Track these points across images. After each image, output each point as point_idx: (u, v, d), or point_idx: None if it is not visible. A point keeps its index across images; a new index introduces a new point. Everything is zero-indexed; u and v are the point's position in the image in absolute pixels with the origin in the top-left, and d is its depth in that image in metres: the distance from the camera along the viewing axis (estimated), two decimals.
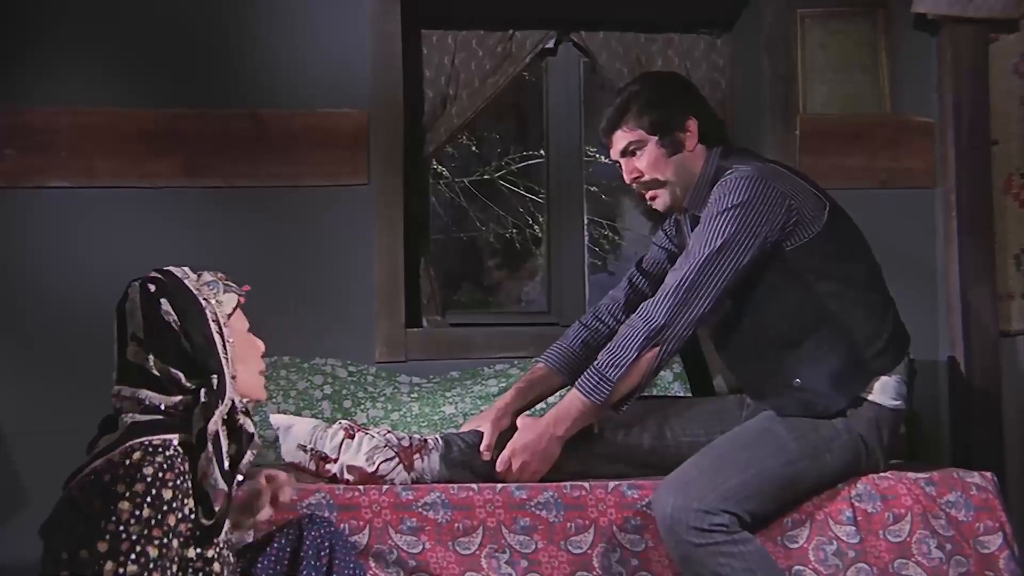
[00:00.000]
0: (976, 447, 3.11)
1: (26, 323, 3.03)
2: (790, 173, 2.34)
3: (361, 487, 2.22)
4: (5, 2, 3.06)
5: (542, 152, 3.86)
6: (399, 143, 3.19)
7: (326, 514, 2.13)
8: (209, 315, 1.73)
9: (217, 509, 1.65)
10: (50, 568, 1.58)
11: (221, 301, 1.77)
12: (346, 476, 2.27)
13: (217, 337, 1.73)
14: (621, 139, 2.40)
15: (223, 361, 1.72)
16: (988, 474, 2.32)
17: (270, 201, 3.12)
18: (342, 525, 2.13)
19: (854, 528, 2.23)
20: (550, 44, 3.46)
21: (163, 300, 1.70)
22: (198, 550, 1.63)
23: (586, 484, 2.24)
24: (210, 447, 1.66)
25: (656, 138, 2.37)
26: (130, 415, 1.68)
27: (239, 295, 1.81)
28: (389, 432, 2.33)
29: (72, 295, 3.03)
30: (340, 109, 3.15)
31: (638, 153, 2.39)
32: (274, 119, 3.13)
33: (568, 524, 2.20)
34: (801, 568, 2.21)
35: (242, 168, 3.11)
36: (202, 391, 1.68)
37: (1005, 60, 3.22)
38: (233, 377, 1.74)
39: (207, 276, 1.79)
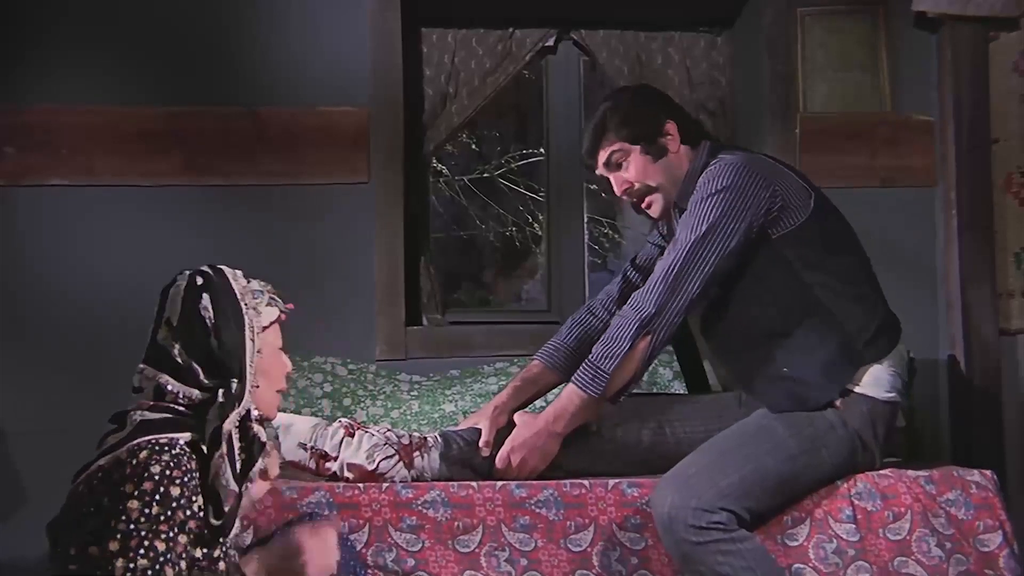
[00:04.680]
0: (976, 446, 3.10)
1: (26, 322, 3.03)
2: (776, 163, 2.38)
3: (361, 485, 2.22)
4: (5, 2, 3.06)
5: (542, 150, 3.86)
6: (399, 141, 3.19)
7: (326, 512, 2.13)
8: (246, 321, 1.76)
9: (227, 509, 1.66)
10: (59, 564, 1.59)
11: (261, 312, 1.79)
12: (346, 474, 2.27)
13: (248, 344, 1.75)
14: (605, 153, 2.41)
15: (247, 369, 1.74)
16: (988, 472, 2.32)
17: (270, 199, 3.12)
18: (342, 523, 2.13)
19: (854, 526, 2.23)
20: (550, 42, 3.46)
21: (205, 295, 1.73)
22: (205, 550, 1.63)
23: (586, 482, 2.24)
24: (224, 446, 1.67)
25: (639, 147, 2.38)
26: (139, 412, 1.70)
27: (281, 311, 1.83)
28: (389, 430, 2.33)
29: (72, 293, 3.03)
30: (340, 107, 3.15)
31: (624, 164, 2.40)
32: (274, 117, 3.13)
33: (568, 522, 2.20)
34: (801, 566, 2.21)
35: (242, 166, 3.11)
36: (220, 392, 1.70)
37: (1005, 58, 3.22)
38: (256, 387, 1.76)
39: (255, 284, 1.82)
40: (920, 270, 3.24)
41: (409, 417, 2.87)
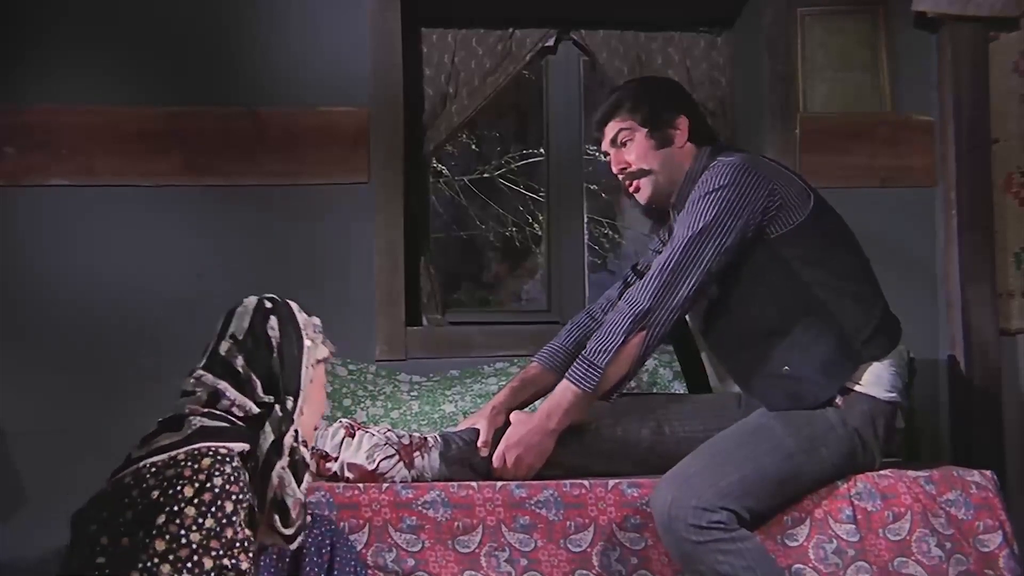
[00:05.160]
0: (976, 446, 3.10)
1: (26, 322, 3.02)
2: (775, 164, 2.40)
3: (361, 485, 2.22)
4: (5, 2, 3.06)
5: (542, 151, 3.86)
6: (399, 141, 3.19)
7: (326, 512, 2.13)
8: (305, 349, 1.84)
9: (295, 516, 1.71)
10: (83, 551, 1.58)
11: (317, 346, 1.88)
12: (346, 474, 2.27)
13: (304, 370, 1.83)
14: (613, 128, 2.47)
15: (301, 390, 1.81)
16: (988, 472, 2.32)
17: (270, 199, 3.12)
18: (342, 523, 2.13)
19: (854, 526, 2.23)
20: (550, 43, 3.46)
21: (272, 317, 1.82)
22: (234, 560, 1.64)
23: (586, 482, 2.24)
24: (287, 458, 1.72)
25: (646, 130, 2.43)
26: (198, 419, 1.72)
27: (331, 352, 1.92)
28: (389, 430, 2.33)
29: (72, 293, 3.03)
30: (340, 107, 3.15)
31: (628, 144, 2.45)
32: (274, 117, 3.12)
33: (568, 522, 2.20)
34: (801, 567, 2.20)
35: (242, 166, 3.11)
36: (276, 406, 1.76)
37: (1005, 58, 3.22)
38: (302, 413, 1.81)
39: (315, 320, 1.91)
40: (920, 270, 3.24)
41: (409, 417, 2.87)
